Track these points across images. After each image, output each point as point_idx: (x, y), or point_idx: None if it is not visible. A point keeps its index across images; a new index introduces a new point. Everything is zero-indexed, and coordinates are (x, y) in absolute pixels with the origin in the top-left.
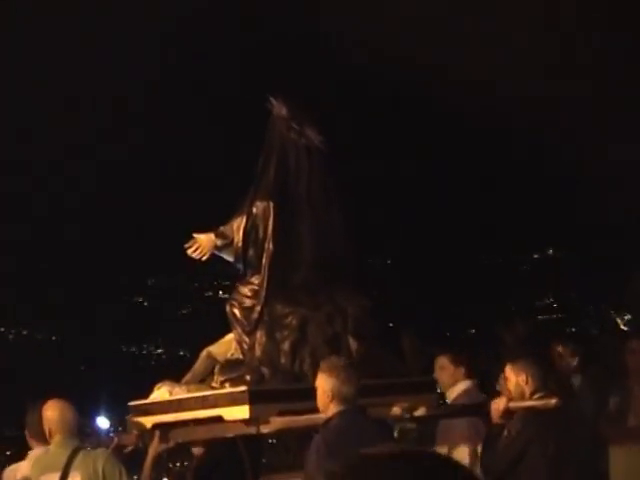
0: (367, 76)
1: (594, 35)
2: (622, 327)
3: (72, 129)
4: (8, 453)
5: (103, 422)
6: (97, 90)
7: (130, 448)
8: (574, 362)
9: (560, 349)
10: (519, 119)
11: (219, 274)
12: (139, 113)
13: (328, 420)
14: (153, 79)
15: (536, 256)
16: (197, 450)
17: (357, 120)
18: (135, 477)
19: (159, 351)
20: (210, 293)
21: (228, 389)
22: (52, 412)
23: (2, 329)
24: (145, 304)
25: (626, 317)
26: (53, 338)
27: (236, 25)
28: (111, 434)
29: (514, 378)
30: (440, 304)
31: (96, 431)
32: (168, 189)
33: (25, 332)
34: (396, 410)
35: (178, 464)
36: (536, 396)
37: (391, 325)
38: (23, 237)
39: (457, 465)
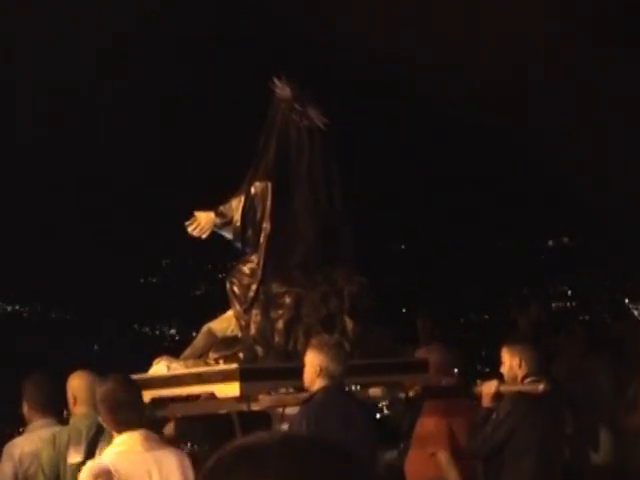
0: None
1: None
2: (636, 315)
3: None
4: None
5: None
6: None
7: None
8: (584, 349)
9: (571, 336)
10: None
11: (232, 255)
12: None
13: (312, 395)
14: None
15: (551, 243)
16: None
17: (361, 101)
18: None
19: (172, 332)
20: (223, 274)
21: (221, 366)
22: (80, 381)
23: (17, 307)
24: (159, 285)
25: None
26: (67, 317)
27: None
28: None
29: (508, 361)
30: (454, 289)
31: None
32: (181, 170)
33: (40, 310)
34: (376, 391)
35: None
36: (527, 381)
37: (404, 310)
38: (39, 208)
39: (337, 450)
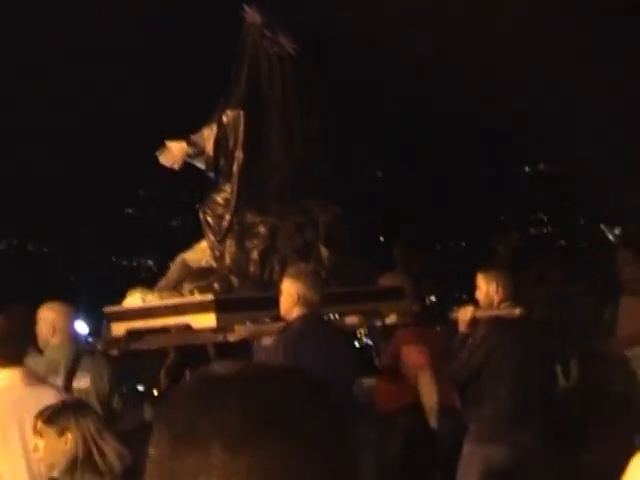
0: None
1: None
2: (612, 240)
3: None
4: None
5: (82, 326)
6: None
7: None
8: (564, 275)
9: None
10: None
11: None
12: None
13: (289, 323)
14: None
15: (527, 170)
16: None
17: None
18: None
19: (149, 263)
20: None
21: (196, 297)
22: (53, 312)
23: None
24: (135, 216)
25: (616, 230)
26: (44, 249)
27: None
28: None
29: (485, 287)
30: (433, 216)
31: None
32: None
33: (16, 242)
34: (353, 319)
35: None
36: (503, 305)
37: (382, 239)
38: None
39: (309, 378)
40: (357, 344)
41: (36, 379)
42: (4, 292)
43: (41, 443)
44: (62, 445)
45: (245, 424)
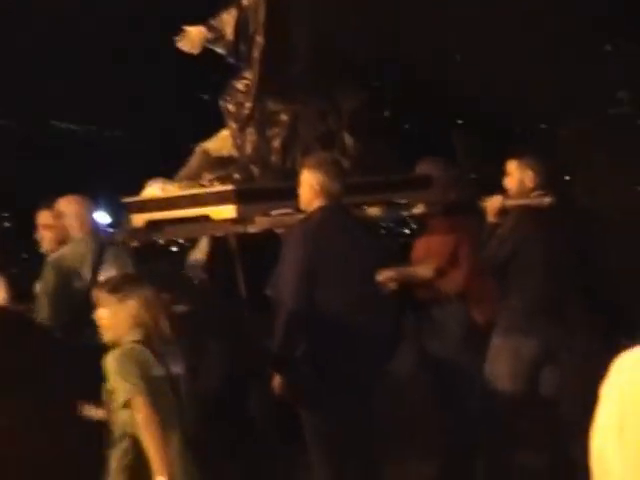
0: None
1: None
2: None
3: None
4: None
5: (103, 217)
6: None
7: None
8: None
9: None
10: None
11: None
12: None
13: (310, 214)
14: None
15: None
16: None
17: None
18: None
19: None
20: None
21: (216, 187)
22: (75, 205)
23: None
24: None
25: None
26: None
27: None
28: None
29: (518, 175)
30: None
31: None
32: None
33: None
34: (375, 210)
35: None
36: (533, 194)
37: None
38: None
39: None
40: (386, 234)
41: None
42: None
43: (104, 312)
44: (125, 310)
45: None
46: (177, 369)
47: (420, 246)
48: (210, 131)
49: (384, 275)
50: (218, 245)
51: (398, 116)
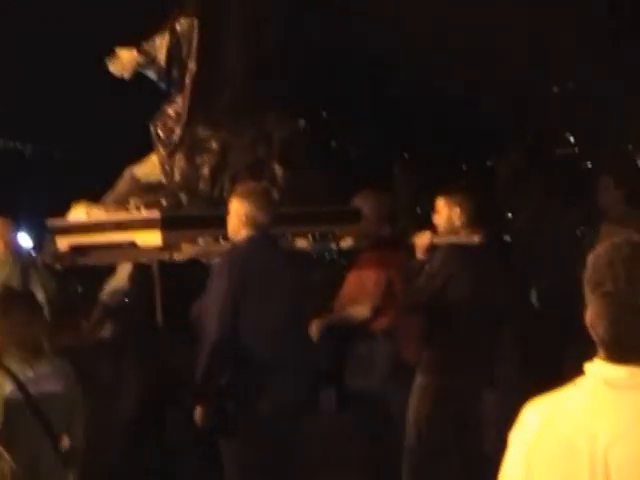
0: None
1: None
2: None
3: None
4: None
5: (25, 239)
6: None
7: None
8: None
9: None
10: None
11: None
12: None
13: (237, 244)
14: None
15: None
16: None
17: None
18: None
19: None
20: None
21: (142, 213)
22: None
23: None
24: None
25: None
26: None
27: None
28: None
29: (447, 212)
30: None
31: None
32: None
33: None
34: (302, 242)
35: None
36: (463, 232)
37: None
38: None
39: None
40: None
41: None
42: None
43: None
44: None
45: None
46: (55, 387)
47: (352, 281)
48: (141, 152)
49: (318, 326)
50: (140, 271)
51: (345, 146)
